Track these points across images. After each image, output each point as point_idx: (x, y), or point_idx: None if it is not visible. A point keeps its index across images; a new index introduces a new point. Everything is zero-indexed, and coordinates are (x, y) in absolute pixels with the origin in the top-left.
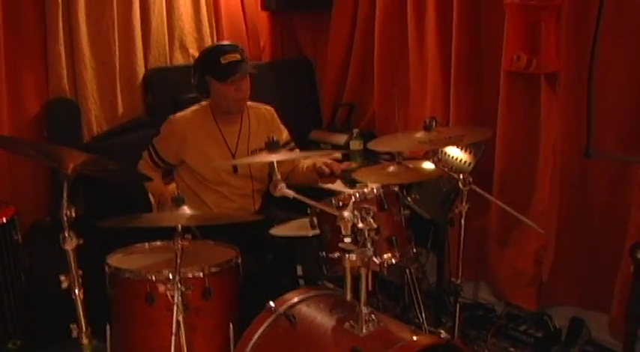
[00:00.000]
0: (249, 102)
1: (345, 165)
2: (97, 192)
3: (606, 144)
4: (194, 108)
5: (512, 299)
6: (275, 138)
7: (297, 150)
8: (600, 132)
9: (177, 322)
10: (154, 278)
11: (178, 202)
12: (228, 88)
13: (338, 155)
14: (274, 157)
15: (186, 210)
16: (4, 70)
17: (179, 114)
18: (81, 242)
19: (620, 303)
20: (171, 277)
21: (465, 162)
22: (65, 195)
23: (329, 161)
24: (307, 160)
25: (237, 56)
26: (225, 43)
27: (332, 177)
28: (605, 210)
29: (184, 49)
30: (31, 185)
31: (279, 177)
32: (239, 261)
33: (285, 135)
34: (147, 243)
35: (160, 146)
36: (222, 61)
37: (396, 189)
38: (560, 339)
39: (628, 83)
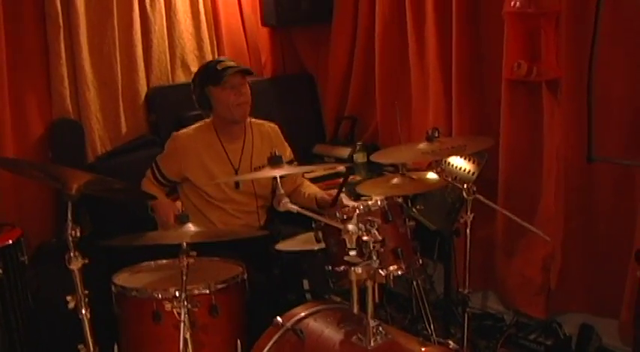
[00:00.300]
0: (252, 119)
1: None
2: (102, 211)
3: (608, 149)
4: (197, 125)
5: (521, 307)
6: (277, 153)
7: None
8: (602, 137)
9: (185, 340)
10: (160, 296)
11: (183, 219)
12: (228, 92)
13: (342, 167)
14: (277, 172)
15: (190, 227)
16: (7, 92)
17: (182, 131)
18: (86, 262)
19: (629, 308)
20: (177, 295)
21: (469, 171)
22: (70, 216)
23: (332, 193)
24: (310, 187)
25: (232, 63)
26: (220, 57)
27: (332, 207)
28: (611, 216)
29: (186, 66)
30: (36, 207)
31: (282, 192)
32: (245, 276)
33: (288, 153)
34: (153, 262)
35: (163, 163)
36: (218, 67)
37: (400, 200)
38: (570, 347)
39: (628, 87)
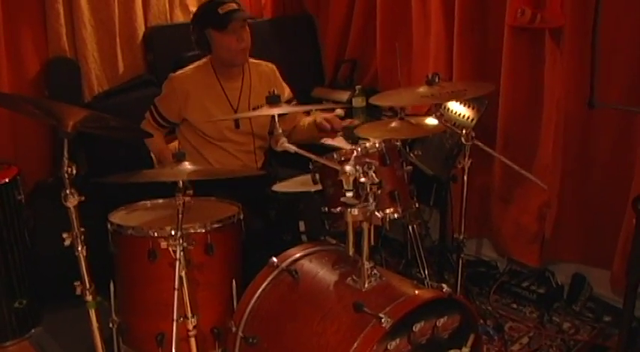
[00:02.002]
0: (250, 59)
1: (347, 121)
2: (99, 152)
3: (610, 96)
4: (195, 65)
5: (514, 255)
6: (275, 92)
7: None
8: (604, 84)
9: (180, 278)
10: (156, 234)
11: (179, 157)
12: (230, 37)
13: (340, 111)
14: (275, 111)
15: (187, 165)
16: (2, 30)
17: (179, 72)
18: (82, 199)
19: (622, 259)
20: (173, 233)
21: (468, 117)
22: (66, 153)
23: (329, 116)
24: (307, 118)
25: (234, 6)
26: None
27: (332, 132)
28: (609, 165)
29: (184, 6)
30: (33, 146)
31: (280, 131)
32: (241, 216)
33: (287, 92)
34: (149, 201)
35: (161, 105)
36: (220, 11)
37: (399, 144)
38: (562, 295)
39: (632, 35)
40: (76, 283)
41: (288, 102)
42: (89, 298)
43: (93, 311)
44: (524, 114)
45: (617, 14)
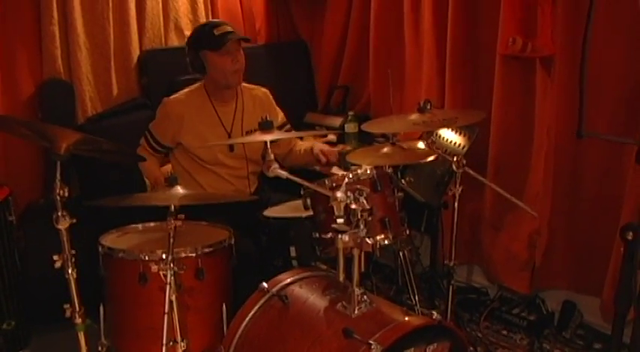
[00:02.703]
0: (244, 84)
1: (339, 147)
2: (92, 175)
3: (598, 126)
4: (188, 89)
5: (505, 282)
6: (268, 118)
7: (293, 131)
8: (593, 114)
9: (170, 302)
10: (147, 257)
11: (172, 182)
12: (225, 58)
13: (333, 137)
14: (267, 137)
15: (179, 189)
16: None
17: (173, 96)
18: (74, 221)
19: (612, 287)
20: (164, 257)
21: (459, 145)
22: (58, 175)
23: (326, 149)
24: (304, 143)
25: (229, 28)
26: (215, 20)
27: (328, 166)
28: (599, 194)
29: (179, 30)
30: (26, 167)
31: (272, 157)
32: (232, 241)
33: (280, 116)
34: (140, 224)
35: (156, 130)
36: (216, 32)
37: (390, 170)
38: (552, 322)
39: (621, 65)
40: (65, 305)
41: (282, 126)
42: (78, 321)
43: (82, 334)
44: (515, 142)
45: (605, 45)
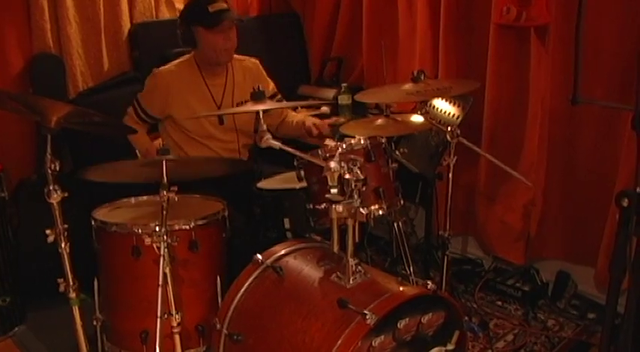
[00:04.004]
0: (234, 55)
1: (332, 119)
2: (83, 149)
3: (593, 93)
4: (178, 61)
5: (500, 253)
6: (260, 88)
7: (284, 102)
8: (587, 81)
9: (164, 274)
10: (140, 230)
11: (164, 153)
12: (217, 37)
13: (326, 109)
14: (259, 107)
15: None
16: None
17: (163, 67)
18: (66, 195)
19: (607, 256)
20: (157, 229)
21: (454, 115)
22: (49, 149)
23: (318, 121)
24: (297, 115)
25: (224, 5)
26: None
27: (320, 137)
28: (593, 163)
29: (170, 3)
30: (17, 143)
31: (264, 127)
32: (226, 213)
33: (271, 87)
34: (133, 198)
35: (144, 100)
36: (210, 9)
37: (384, 140)
38: (546, 293)
39: (615, 32)
40: (59, 280)
41: (273, 96)
42: (72, 295)
43: (76, 308)
44: (510, 111)
45: (601, 11)
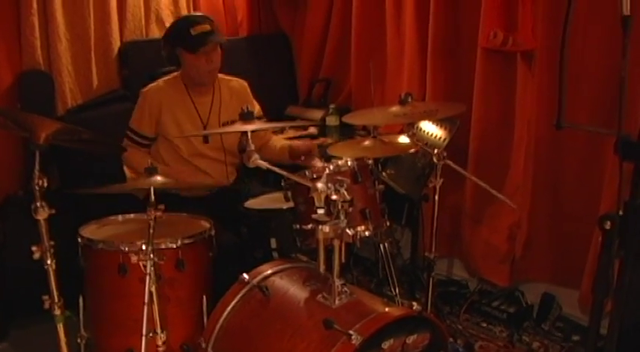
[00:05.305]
0: (221, 75)
1: (320, 140)
2: (71, 166)
3: (578, 117)
4: (165, 78)
5: (485, 275)
6: (249, 109)
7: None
8: (572, 105)
9: (150, 293)
10: (126, 248)
11: (151, 171)
12: (199, 59)
13: (313, 129)
14: (248, 127)
15: (158, 178)
16: None
17: (151, 85)
18: (53, 212)
19: (591, 279)
20: (144, 247)
21: (440, 137)
22: (37, 165)
23: (305, 148)
24: (281, 140)
25: (207, 27)
26: (196, 13)
27: (306, 159)
28: (578, 186)
29: (160, 22)
30: (4, 158)
31: (252, 148)
32: (212, 232)
33: (257, 109)
34: (120, 215)
35: (137, 124)
36: (192, 32)
37: (370, 162)
38: (531, 315)
39: (601, 58)
40: (44, 297)
41: (258, 119)
42: (57, 312)
43: (61, 325)
44: (496, 134)
45: (585, 38)
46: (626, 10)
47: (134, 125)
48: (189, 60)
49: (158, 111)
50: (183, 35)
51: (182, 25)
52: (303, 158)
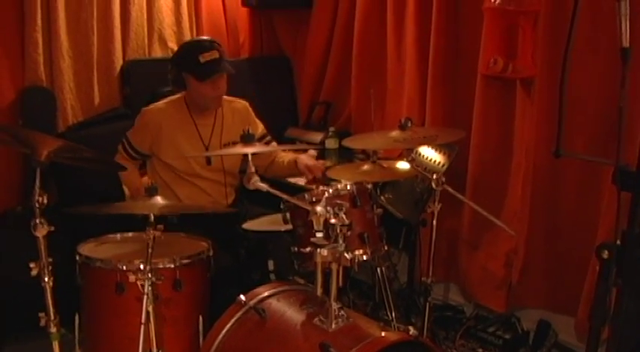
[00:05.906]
0: (224, 96)
1: (319, 163)
2: (70, 183)
3: (576, 147)
4: (168, 99)
5: (481, 300)
6: (250, 131)
7: (274, 143)
8: (571, 134)
9: (147, 312)
10: (124, 267)
11: (151, 192)
12: (207, 86)
13: (313, 151)
14: (249, 150)
15: (158, 200)
16: None
17: (153, 105)
18: (52, 229)
19: (587, 306)
20: (142, 267)
21: (439, 163)
22: (38, 182)
23: (311, 164)
24: (287, 155)
25: (216, 54)
26: (204, 38)
27: (314, 182)
28: (575, 214)
29: (163, 41)
30: (3, 174)
31: (253, 170)
32: (210, 253)
33: (260, 128)
34: (119, 234)
35: (134, 138)
36: (201, 59)
37: (369, 186)
38: (527, 341)
39: (600, 87)
40: (40, 314)
41: (262, 137)
42: (53, 330)
43: (56, 343)
44: (494, 161)
45: (584, 67)
46: (626, 42)
47: (131, 137)
48: (195, 86)
49: (156, 132)
50: (192, 62)
51: (190, 50)
52: (310, 178)
